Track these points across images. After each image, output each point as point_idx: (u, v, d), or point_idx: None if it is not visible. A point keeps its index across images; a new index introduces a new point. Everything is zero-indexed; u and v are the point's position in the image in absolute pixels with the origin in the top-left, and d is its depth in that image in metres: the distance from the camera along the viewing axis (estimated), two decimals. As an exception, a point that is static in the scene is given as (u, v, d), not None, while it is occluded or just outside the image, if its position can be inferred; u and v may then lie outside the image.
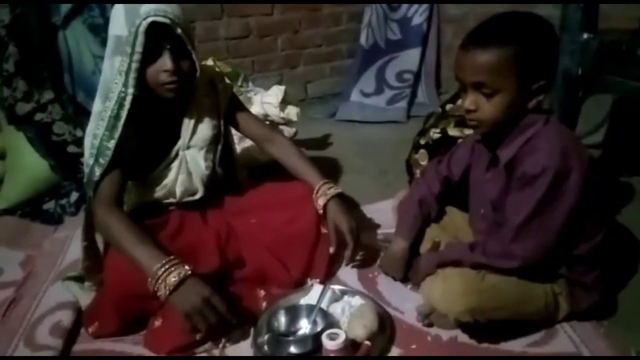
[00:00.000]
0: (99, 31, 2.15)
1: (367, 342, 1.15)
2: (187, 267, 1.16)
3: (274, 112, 2.21)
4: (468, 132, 1.61)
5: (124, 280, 1.21)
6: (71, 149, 2.02)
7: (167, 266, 1.14)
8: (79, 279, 1.42)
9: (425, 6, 3.03)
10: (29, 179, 1.91)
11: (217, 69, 1.77)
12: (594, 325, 1.23)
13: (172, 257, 1.17)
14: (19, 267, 1.61)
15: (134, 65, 1.23)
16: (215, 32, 2.77)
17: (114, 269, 1.25)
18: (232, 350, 1.23)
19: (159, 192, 1.42)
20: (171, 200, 1.43)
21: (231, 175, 1.57)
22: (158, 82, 1.27)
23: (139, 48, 1.21)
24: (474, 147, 1.34)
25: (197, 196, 1.45)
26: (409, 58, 3.07)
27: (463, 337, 1.22)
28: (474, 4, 2.90)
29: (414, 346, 1.21)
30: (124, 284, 1.22)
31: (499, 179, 1.21)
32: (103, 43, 2.15)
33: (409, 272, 1.39)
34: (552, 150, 1.09)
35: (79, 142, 2.02)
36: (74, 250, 1.63)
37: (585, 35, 1.59)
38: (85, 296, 1.38)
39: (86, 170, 1.32)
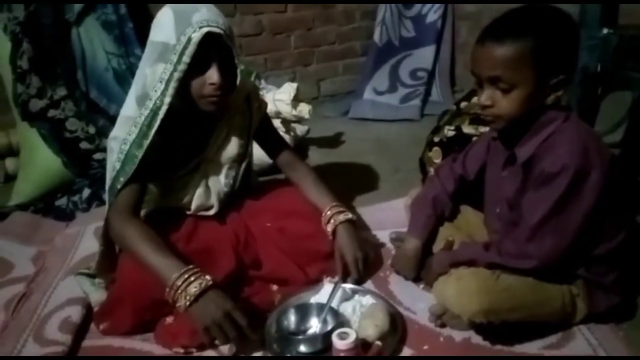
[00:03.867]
0: (112, 28, 2.16)
1: (378, 343, 1.13)
2: (208, 277, 1.11)
3: (286, 110, 2.20)
4: (483, 129, 1.58)
5: (141, 283, 1.19)
6: (84, 145, 2.03)
7: (186, 276, 1.10)
8: (91, 275, 1.41)
9: (439, 4, 2.99)
10: (41, 175, 1.92)
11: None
12: (612, 328, 1.20)
13: (191, 266, 1.13)
14: (30, 263, 1.61)
15: (177, 75, 1.20)
16: (228, 29, 2.77)
17: (130, 272, 1.23)
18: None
19: (175, 201, 1.40)
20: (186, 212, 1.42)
21: (246, 186, 1.54)
22: (202, 94, 1.25)
23: (186, 58, 1.19)
24: (490, 145, 1.31)
25: (212, 212, 1.43)
26: (423, 56, 3.04)
27: (476, 339, 1.19)
28: (489, 2, 2.86)
29: (426, 347, 1.18)
30: (141, 288, 1.19)
31: (516, 177, 1.18)
32: (116, 40, 2.17)
33: (421, 271, 1.37)
34: (572, 148, 1.06)
35: (92, 138, 2.03)
36: (85, 246, 1.64)
37: (604, 31, 1.56)
38: (96, 293, 1.37)
39: (110, 174, 1.28)
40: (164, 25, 1.21)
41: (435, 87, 3.07)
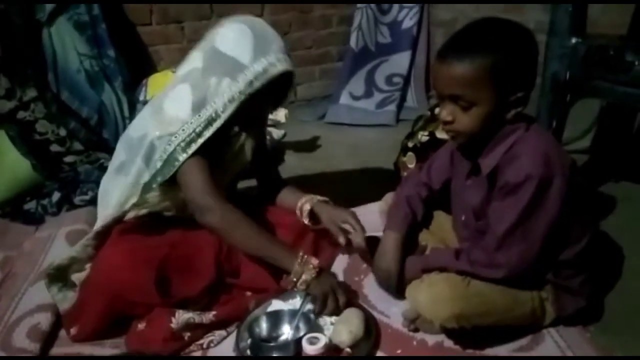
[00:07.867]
0: (85, 29, 2.12)
1: (348, 350, 1.14)
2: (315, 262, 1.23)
3: (262, 114, 2.19)
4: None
5: (117, 282, 1.19)
6: (54, 148, 1.98)
7: (302, 262, 1.22)
8: (62, 276, 1.34)
9: (415, 10, 3.03)
10: (10, 179, 1.87)
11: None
12: (580, 330, 1.23)
13: (300, 253, 1.24)
14: (-4, 268, 1.57)
15: (242, 97, 1.23)
16: (204, 32, 2.75)
17: (106, 271, 1.22)
18: (214, 352, 1.22)
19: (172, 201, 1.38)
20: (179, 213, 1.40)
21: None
22: (257, 116, 1.34)
23: (257, 84, 1.23)
24: (453, 154, 1.32)
25: None
26: (399, 61, 3.07)
27: (449, 343, 1.21)
28: (464, 8, 2.91)
29: (399, 351, 1.19)
30: (116, 287, 1.20)
31: (481, 187, 1.19)
32: (89, 41, 2.13)
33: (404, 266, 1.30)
34: (535, 158, 1.08)
35: (62, 141, 1.99)
36: (56, 251, 1.60)
37: (573, 40, 1.59)
38: (64, 301, 1.33)
39: (140, 167, 1.28)
40: (239, 42, 1.24)
41: (411, 92, 3.10)
